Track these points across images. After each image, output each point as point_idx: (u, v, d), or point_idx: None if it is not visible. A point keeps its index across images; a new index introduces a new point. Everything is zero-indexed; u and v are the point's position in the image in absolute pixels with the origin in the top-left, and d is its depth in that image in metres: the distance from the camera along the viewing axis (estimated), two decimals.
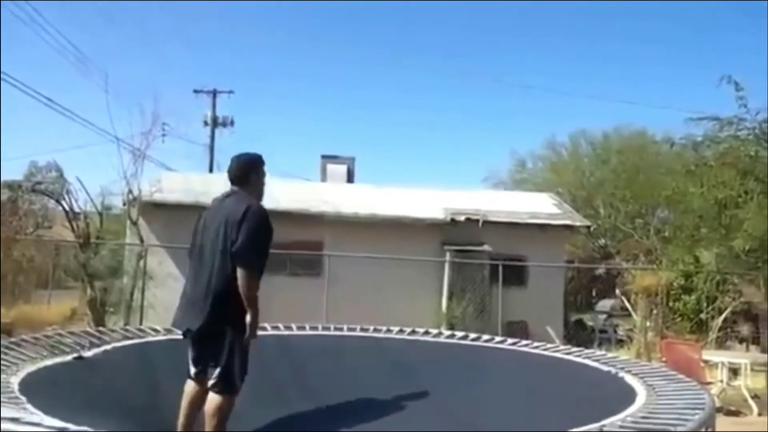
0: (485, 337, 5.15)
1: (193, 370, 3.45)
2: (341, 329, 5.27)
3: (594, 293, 21.54)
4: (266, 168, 3.68)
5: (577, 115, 43.98)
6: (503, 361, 4.17)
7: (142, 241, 13.48)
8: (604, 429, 2.33)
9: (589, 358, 4.19)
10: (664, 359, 9.15)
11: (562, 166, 26.54)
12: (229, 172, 3.61)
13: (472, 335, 5.35)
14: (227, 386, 3.27)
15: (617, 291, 17.92)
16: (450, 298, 14.71)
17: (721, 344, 13.31)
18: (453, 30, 41.23)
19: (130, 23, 33.77)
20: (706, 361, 9.21)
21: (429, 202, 15.84)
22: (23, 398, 2.71)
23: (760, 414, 8.57)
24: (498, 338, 5.37)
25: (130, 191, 13.89)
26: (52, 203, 15.22)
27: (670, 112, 29.05)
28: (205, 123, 24.83)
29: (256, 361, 3.63)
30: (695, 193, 13.22)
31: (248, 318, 3.27)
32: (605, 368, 3.82)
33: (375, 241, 13.91)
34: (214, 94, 24.86)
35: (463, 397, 3.08)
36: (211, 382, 3.30)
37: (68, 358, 3.74)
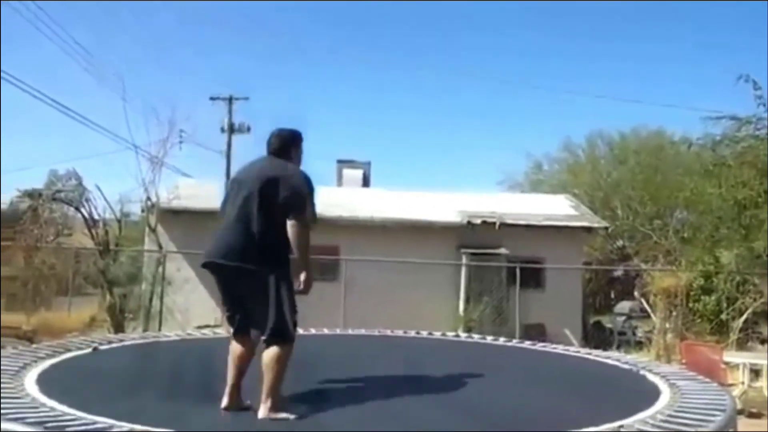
0: (502, 339, 5.15)
1: (231, 330, 3.42)
2: (359, 333, 5.31)
3: (612, 295, 21.39)
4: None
5: (593, 116, 43.80)
6: (523, 359, 4.17)
7: (160, 247, 13.60)
8: (622, 430, 2.32)
9: (608, 358, 4.18)
10: (684, 361, 9.06)
11: (578, 167, 26.40)
12: (269, 144, 3.56)
13: (490, 338, 5.35)
14: (284, 337, 3.25)
15: (636, 293, 17.78)
16: (467, 301, 14.68)
17: (741, 345, 13.15)
18: (468, 32, 41.23)
19: (144, 30, 34.10)
20: (726, 363, 9.10)
21: (445, 206, 15.83)
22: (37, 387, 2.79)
23: None
24: (515, 340, 5.36)
25: (149, 198, 14.04)
26: (71, 211, 15.41)
27: (687, 112, 28.84)
28: (222, 129, 24.97)
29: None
30: (714, 194, 13.12)
31: (303, 275, 3.24)
32: (626, 367, 3.80)
33: (391, 245, 13.92)
34: (230, 100, 24.99)
35: (481, 393, 3.08)
36: (265, 338, 3.25)
37: (86, 351, 3.87)
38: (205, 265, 3.40)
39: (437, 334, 5.11)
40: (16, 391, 2.82)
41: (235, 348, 3.41)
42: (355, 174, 19.57)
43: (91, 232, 14.12)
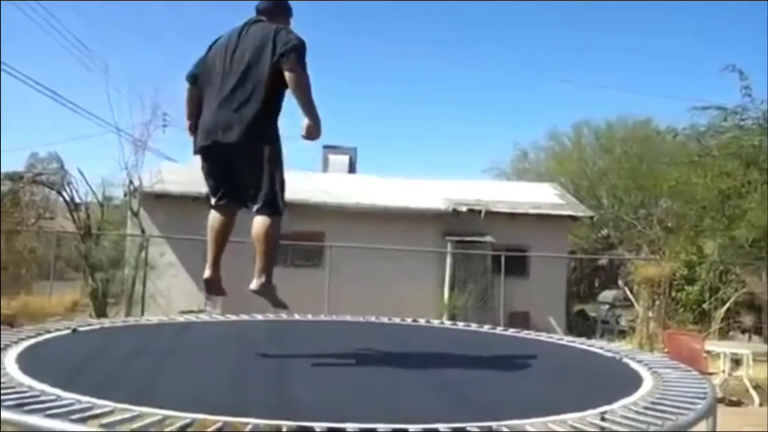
0: (487, 326, 5.13)
1: (213, 199, 3.37)
2: (343, 319, 5.28)
3: (596, 284, 21.56)
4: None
5: (579, 104, 43.96)
6: (507, 346, 4.16)
7: (143, 231, 13.49)
8: (605, 416, 2.30)
9: (592, 346, 4.18)
10: (666, 350, 9.13)
11: (564, 156, 26.50)
12: (259, 8, 3.42)
13: (474, 325, 5.33)
14: (274, 207, 3.24)
15: (620, 281, 17.92)
16: (452, 288, 14.72)
17: (723, 335, 13.29)
18: (455, 20, 41.11)
19: (130, 13, 33.65)
20: (708, 352, 9.19)
21: (431, 193, 15.81)
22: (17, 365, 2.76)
23: (761, 404, 8.57)
24: (500, 328, 5.35)
25: (131, 182, 13.91)
26: (53, 194, 15.25)
27: (674, 102, 28.97)
28: None
29: (250, 344, 3.65)
30: (699, 184, 13.20)
31: (306, 120, 3.15)
32: (609, 355, 3.80)
33: (376, 232, 13.89)
34: None
35: (465, 380, 3.07)
36: (256, 207, 3.22)
37: (65, 332, 3.83)
38: (206, 147, 3.25)
39: (422, 321, 5.09)
40: None
41: (215, 217, 3.38)
42: (341, 160, 19.49)
43: (73, 215, 13.98)
